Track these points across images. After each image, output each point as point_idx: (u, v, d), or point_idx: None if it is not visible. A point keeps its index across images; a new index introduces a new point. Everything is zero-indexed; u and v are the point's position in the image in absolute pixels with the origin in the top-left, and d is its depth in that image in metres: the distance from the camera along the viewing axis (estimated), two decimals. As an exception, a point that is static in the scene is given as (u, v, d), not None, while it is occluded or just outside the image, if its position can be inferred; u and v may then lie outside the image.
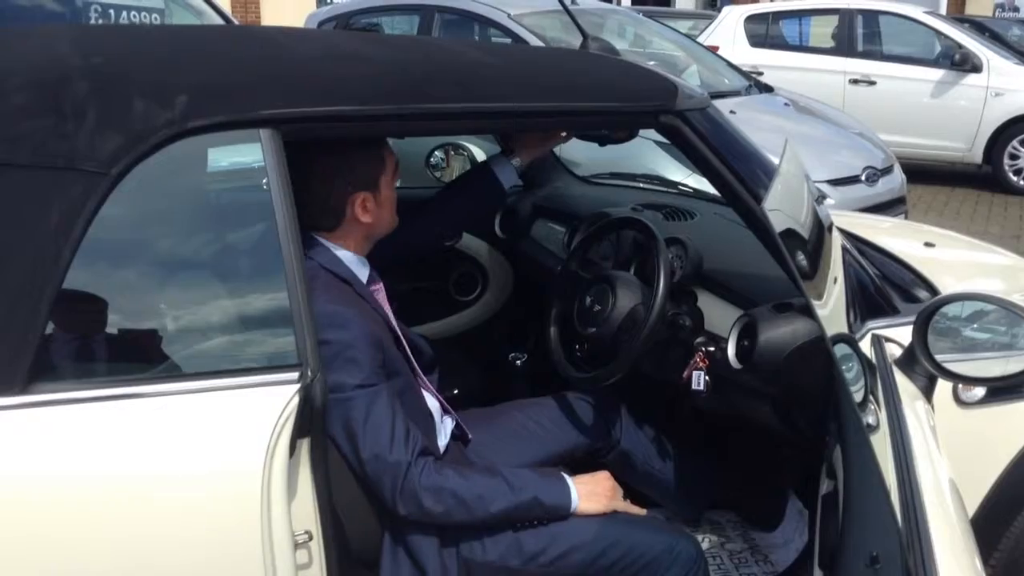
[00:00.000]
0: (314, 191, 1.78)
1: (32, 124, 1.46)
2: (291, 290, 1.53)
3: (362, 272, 1.92)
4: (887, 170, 5.86)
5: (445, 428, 2.03)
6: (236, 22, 5.67)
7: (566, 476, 1.89)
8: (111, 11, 4.44)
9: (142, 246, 1.58)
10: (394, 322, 1.95)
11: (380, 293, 1.99)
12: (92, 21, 4.37)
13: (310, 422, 1.53)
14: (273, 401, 1.50)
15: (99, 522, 1.46)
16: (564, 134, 2.30)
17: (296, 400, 1.50)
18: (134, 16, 4.61)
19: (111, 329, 1.55)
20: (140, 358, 1.56)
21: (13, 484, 1.43)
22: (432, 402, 2.01)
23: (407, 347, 1.95)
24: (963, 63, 8.42)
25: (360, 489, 1.78)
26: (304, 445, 1.55)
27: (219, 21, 5.11)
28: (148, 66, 1.62)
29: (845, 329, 1.80)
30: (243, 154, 1.62)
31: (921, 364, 1.71)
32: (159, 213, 1.60)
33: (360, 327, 1.76)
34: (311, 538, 1.58)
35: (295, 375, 1.52)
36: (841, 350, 1.64)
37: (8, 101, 1.48)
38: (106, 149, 1.46)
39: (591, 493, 1.88)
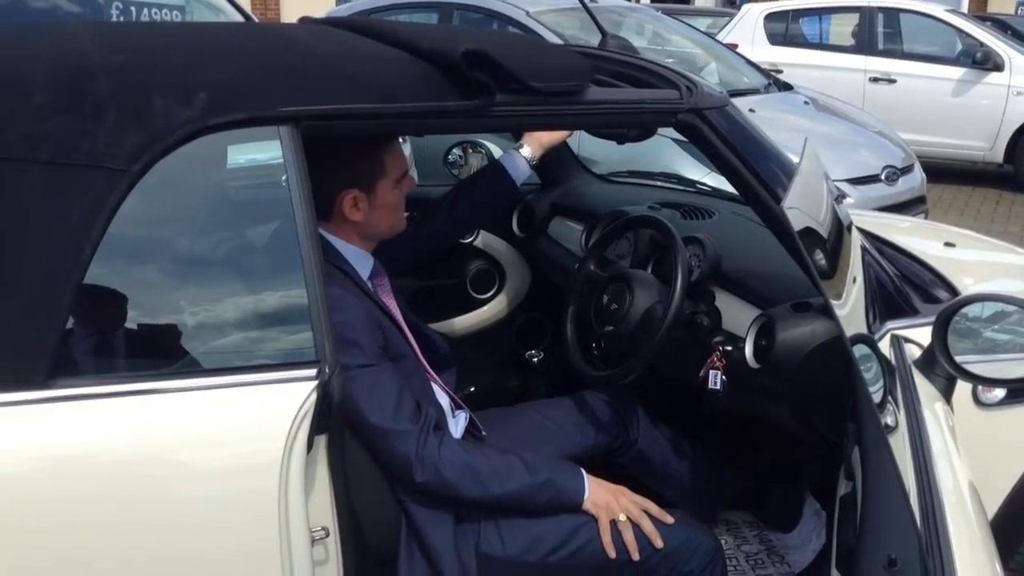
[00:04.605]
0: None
1: (53, 121, 1.47)
2: (309, 287, 1.54)
3: (362, 265, 1.93)
4: (907, 169, 5.82)
5: (458, 423, 2.04)
6: (256, 19, 5.68)
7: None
8: (132, 8, 4.46)
9: (162, 243, 1.59)
10: (397, 315, 1.96)
11: (384, 288, 2.00)
12: (113, 18, 4.39)
13: (328, 419, 1.54)
14: (291, 397, 1.50)
15: (118, 517, 1.47)
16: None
17: (314, 397, 1.51)
18: (155, 13, 4.63)
19: (131, 325, 1.56)
20: (160, 354, 1.57)
21: (34, 478, 1.44)
22: (442, 397, 2.02)
23: (412, 340, 1.96)
24: (984, 61, 8.35)
25: (377, 485, 1.79)
26: (322, 441, 1.55)
27: (239, 18, 5.12)
28: (168, 63, 1.63)
29: (864, 329, 1.79)
30: (260, 151, 1.63)
31: (941, 365, 1.71)
32: (179, 210, 1.60)
33: (356, 308, 1.78)
34: (328, 534, 1.58)
35: (313, 371, 1.52)
36: (860, 350, 1.63)
37: (30, 98, 1.49)
38: (127, 146, 1.47)
39: (601, 483, 1.90)
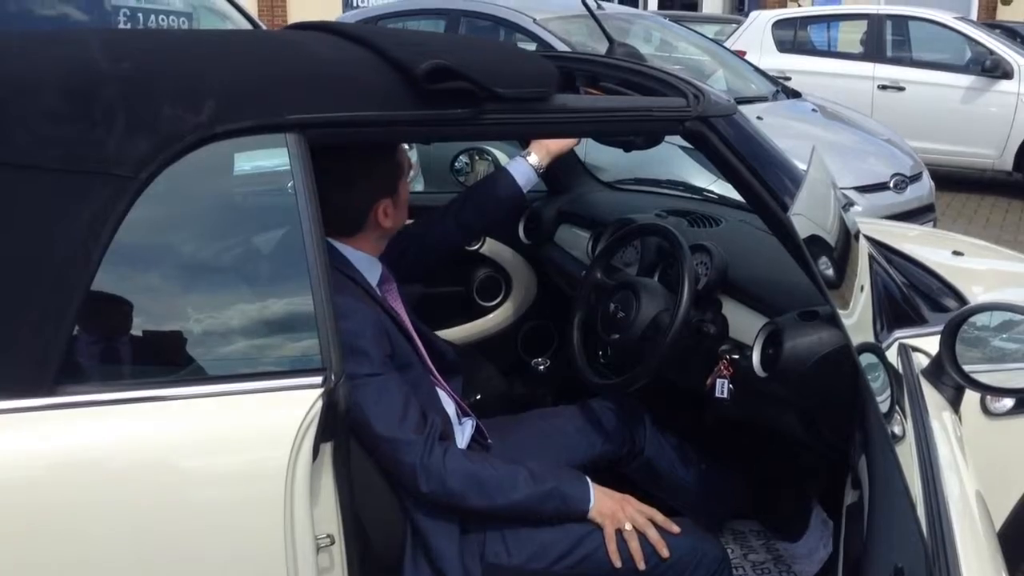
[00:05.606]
0: (334, 199, 1.78)
1: (62, 128, 1.47)
2: (315, 294, 1.54)
3: (372, 272, 1.94)
4: (916, 177, 5.81)
5: (464, 430, 2.04)
6: (263, 26, 5.70)
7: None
8: (139, 15, 4.49)
9: (169, 250, 1.60)
10: (406, 321, 1.96)
11: (392, 294, 2.00)
12: (120, 25, 4.41)
13: (333, 426, 1.54)
14: (297, 405, 1.51)
15: (123, 523, 1.47)
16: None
17: (320, 404, 1.51)
18: (162, 20, 4.65)
19: (138, 332, 1.57)
20: (166, 361, 1.58)
21: (41, 484, 1.44)
22: (449, 403, 2.01)
23: (420, 346, 1.96)
24: (994, 69, 8.33)
25: (382, 493, 1.78)
26: (327, 449, 1.55)
27: (246, 25, 5.13)
28: (176, 71, 1.63)
29: (872, 338, 1.79)
30: (266, 158, 1.63)
31: (948, 374, 1.70)
32: (186, 217, 1.61)
33: (364, 317, 1.78)
34: (333, 542, 1.59)
35: (319, 379, 1.53)
36: (867, 359, 1.62)
37: (38, 105, 1.49)
38: (135, 153, 1.47)
39: (607, 492, 1.89)
